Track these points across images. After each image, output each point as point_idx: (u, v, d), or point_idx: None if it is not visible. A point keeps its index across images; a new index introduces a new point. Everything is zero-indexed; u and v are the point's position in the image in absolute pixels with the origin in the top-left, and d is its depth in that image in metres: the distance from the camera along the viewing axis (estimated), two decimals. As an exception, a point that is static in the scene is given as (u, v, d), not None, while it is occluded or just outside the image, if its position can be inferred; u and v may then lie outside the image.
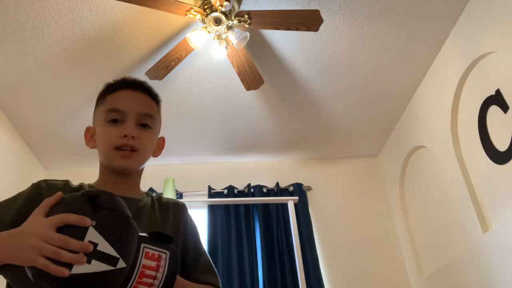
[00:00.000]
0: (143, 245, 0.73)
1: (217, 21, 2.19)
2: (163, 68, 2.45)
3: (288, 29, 2.25)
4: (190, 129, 3.32)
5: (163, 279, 0.74)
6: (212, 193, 3.47)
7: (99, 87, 1.08)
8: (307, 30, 2.25)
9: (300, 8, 2.34)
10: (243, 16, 2.21)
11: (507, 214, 2.16)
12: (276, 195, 3.49)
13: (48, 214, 0.71)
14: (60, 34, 2.42)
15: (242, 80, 2.56)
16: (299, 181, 3.60)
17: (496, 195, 2.26)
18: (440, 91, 2.74)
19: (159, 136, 1.11)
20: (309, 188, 3.62)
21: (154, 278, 0.73)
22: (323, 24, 2.35)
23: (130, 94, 1.03)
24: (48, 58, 2.57)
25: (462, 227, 2.55)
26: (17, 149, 3.17)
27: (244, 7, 2.30)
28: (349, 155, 3.81)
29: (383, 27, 2.53)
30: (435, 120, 2.82)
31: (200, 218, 3.39)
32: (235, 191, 3.49)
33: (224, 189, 3.50)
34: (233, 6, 2.22)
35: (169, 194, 3.09)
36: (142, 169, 1.06)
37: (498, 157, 2.23)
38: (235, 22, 2.23)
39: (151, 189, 3.36)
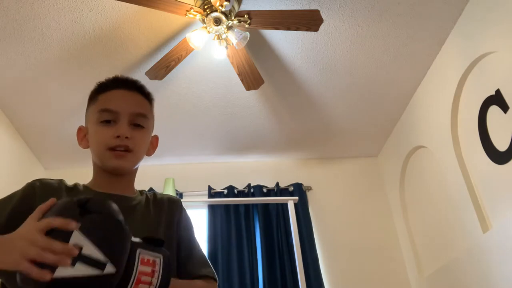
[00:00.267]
0: (139, 250, 0.72)
1: (217, 21, 2.19)
2: (163, 68, 2.45)
3: (288, 29, 2.25)
4: (190, 129, 3.32)
5: (157, 285, 0.73)
6: (212, 193, 3.47)
7: (99, 87, 1.07)
8: (307, 30, 2.25)
9: (300, 8, 2.34)
10: (243, 16, 2.21)
11: (507, 214, 2.16)
12: (276, 195, 3.49)
13: (40, 220, 0.71)
14: (60, 34, 2.42)
15: (242, 80, 2.56)
16: (299, 181, 3.60)
17: (496, 195, 2.26)
18: (440, 91, 2.74)
19: (153, 134, 1.10)
20: (309, 188, 3.62)
21: (150, 284, 0.72)
22: (323, 24, 2.35)
23: (122, 93, 1.02)
24: (48, 58, 2.57)
25: (462, 227, 2.55)
26: (17, 149, 3.17)
27: (244, 7, 2.30)
28: (349, 155, 3.81)
29: (383, 27, 2.53)
30: (435, 120, 2.82)
31: (200, 218, 3.39)
32: (235, 191, 3.49)
33: (224, 189, 3.50)
34: (233, 6, 2.22)
35: (169, 194, 3.09)
36: (137, 168, 1.05)
37: (498, 157, 2.23)
38: (235, 22, 2.23)
39: (151, 189, 3.36)
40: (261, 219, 3.34)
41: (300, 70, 2.81)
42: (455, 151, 2.59)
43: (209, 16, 2.19)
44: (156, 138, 1.11)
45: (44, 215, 0.72)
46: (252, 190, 3.49)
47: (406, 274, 3.31)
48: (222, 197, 3.45)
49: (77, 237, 0.66)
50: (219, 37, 2.29)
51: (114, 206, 0.74)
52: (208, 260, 1.05)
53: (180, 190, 3.43)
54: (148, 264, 0.73)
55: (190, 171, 3.65)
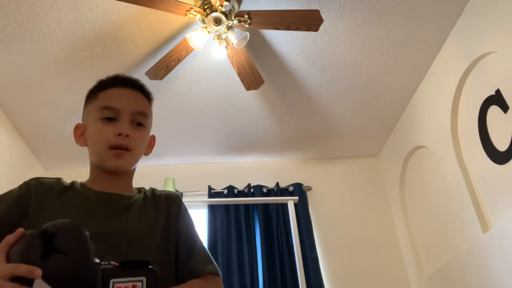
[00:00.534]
0: (112, 281, 0.68)
1: (217, 21, 2.19)
2: (163, 68, 2.45)
3: (288, 29, 2.25)
4: (190, 129, 3.32)
5: None
6: (212, 193, 3.47)
7: (99, 87, 1.07)
8: (307, 30, 2.25)
9: (300, 8, 2.34)
10: (243, 16, 2.21)
11: (507, 214, 2.16)
12: (276, 195, 3.49)
13: (8, 253, 0.69)
14: (60, 34, 2.42)
15: (242, 80, 2.56)
16: (299, 181, 3.60)
17: (496, 195, 2.26)
18: (440, 91, 2.74)
19: (150, 134, 1.10)
20: (309, 188, 3.62)
21: None
22: (323, 24, 2.35)
23: (124, 92, 1.02)
24: (48, 58, 2.57)
25: (462, 227, 2.55)
26: (17, 149, 3.17)
27: (244, 7, 2.30)
28: (349, 155, 3.81)
29: (383, 27, 2.53)
30: (435, 120, 2.82)
31: (200, 218, 3.39)
32: (235, 191, 3.49)
33: (224, 189, 3.50)
34: (233, 6, 2.22)
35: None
36: (134, 168, 1.05)
37: (498, 157, 2.23)
38: (235, 22, 2.23)
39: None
40: (261, 219, 3.34)
41: (300, 70, 2.81)
42: (455, 151, 2.59)
43: (209, 16, 2.19)
44: (153, 138, 1.11)
45: (11, 248, 0.69)
46: (252, 190, 3.49)
47: (406, 274, 3.31)
48: (222, 197, 3.45)
49: (39, 284, 0.63)
50: (219, 37, 2.29)
51: (85, 237, 0.70)
52: (210, 255, 1.01)
53: (180, 190, 3.43)
54: None
55: (190, 171, 3.65)
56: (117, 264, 0.70)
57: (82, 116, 1.05)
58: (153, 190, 1.07)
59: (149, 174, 3.30)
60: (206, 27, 2.24)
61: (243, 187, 3.52)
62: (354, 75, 2.89)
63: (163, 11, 2.15)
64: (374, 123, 3.40)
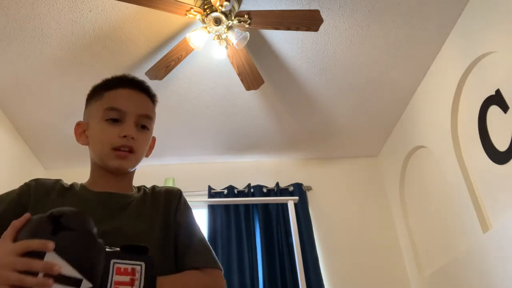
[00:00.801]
0: (112, 261, 0.71)
1: (217, 21, 2.19)
2: (163, 68, 2.45)
3: (288, 29, 2.25)
4: (190, 129, 3.32)
5: None
6: (212, 193, 3.47)
7: (99, 87, 1.07)
8: (307, 30, 2.25)
9: (300, 8, 2.34)
10: (243, 16, 2.21)
11: (507, 214, 2.16)
12: (276, 195, 3.49)
13: (15, 238, 0.71)
14: (60, 34, 2.42)
15: (242, 80, 2.56)
16: (299, 181, 3.60)
17: (496, 195, 2.26)
18: (440, 91, 2.74)
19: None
20: (309, 188, 3.62)
21: None
22: (323, 24, 2.35)
23: (130, 93, 1.01)
24: (48, 58, 2.57)
25: (462, 227, 2.55)
26: (17, 149, 3.17)
27: (244, 7, 2.30)
28: (349, 155, 3.81)
29: (383, 27, 2.52)
30: (435, 120, 2.82)
31: (200, 218, 3.39)
32: (235, 191, 3.49)
33: (224, 189, 3.50)
34: (233, 6, 2.22)
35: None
36: (135, 169, 1.05)
37: (498, 157, 2.23)
38: (235, 22, 2.23)
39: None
40: (261, 219, 3.34)
41: (300, 70, 2.81)
42: (455, 151, 2.59)
43: (209, 16, 2.19)
44: (153, 139, 1.10)
45: (18, 232, 0.71)
46: (252, 190, 3.49)
47: (406, 274, 3.31)
48: (222, 197, 3.45)
49: (51, 257, 0.66)
50: (219, 37, 2.29)
51: (89, 219, 0.74)
52: (210, 248, 0.99)
53: (180, 190, 3.43)
54: (125, 273, 0.72)
55: (190, 171, 3.65)
56: (118, 249, 0.74)
57: (84, 114, 1.05)
58: (153, 187, 1.06)
59: (149, 174, 3.30)
60: (206, 27, 2.24)
61: (243, 187, 3.52)
62: (354, 75, 2.89)
63: (163, 11, 2.15)
64: (374, 123, 3.40)
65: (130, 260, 0.73)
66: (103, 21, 2.37)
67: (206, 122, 3.26)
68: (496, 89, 2.22)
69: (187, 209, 1.04)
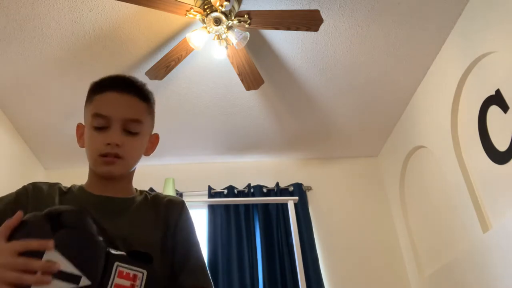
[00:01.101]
0: (116, 263, 0.71)
1: (217, 21, 2.19)
2: (163, 68, 2.45)
3: (288, 29, 2.25)
4: (190, 129, 3.32)
5: None
6: (212, 193, 3.47)
7: (99, 87, 1.06)
8: (307, 30, 2.25)
9: (300, 8, 2.34)
10: (243, 16, 2.21)
11: (507, 214, 2.16)
12: (276, 195, 3.49)
13: (10, 237, 0.70)
14: (60, 34, 2.42)
15: (242, 80, 2.56)
16: (299, 181, 3.60)
17: (496, 195, 2.26)
18: (440, 91, 2.74)
19: (154, 133, 1.07)
20: (309, 188, 3.62)
21: None
22: (323, 24, 2.35)
23: (116, 97, 0.97)
24: (48, 58, 2.57)
25: (462, 227, 2.55)
26: (17, 149, 3.17)
27: (244, 7, 2.30)
28: (349, 155, 3.81)
29: (383, 27, 2.52)
30: (435, 120, 2.82)
31: (200, 218, 3.39)
32: (235, 191, 3.49)
33: (224, 189, 3.50)
34: (233, 6, 2.22)
35: (169, 194, 3.09)
36: (133, 171, 1.03)
37: (498, 157, 2.23)
38: (235, 22, 2.23)
39: (151, 189, 3.35)
40: (261, 219, 3.34)
41: (300, 70, 2.81)
42: (455, 151, 2.59)
43: (209, 16, 2.19)
44: (156, 136, 1.08)
45: (13, 232, 0.71)
46: (252, 190, 3.49)
47: (406, 274, 3.31)
48: (222, 197, 3.45)
49: (50, 254, 0.67)
50: (219, 37, 2.29)
51: (87, 217, 0.74)
52: (206, 268, 0.98)
53: (180, 190, 3.43)
54: (127, 278, 0.71)
55: (190, 171, 3.65)
56: (124, 253, 0.73)
57: (84, 116, 1.05)
58: (156, 194, 1.04)
59: (149, 174, 3.31)
60: (206, 27, 2.24)
61: (243, 187, 3.52)
62: (354, 75, 2.89)
63: (163, 11, 2.15)
64: (374, 123, 3.40)
65: (133, 266, 0.73)
66: (103, 21, 2.37)
67: (206, 122, 3.26)
68: (496, 89, 2.22)
69: (188, 223, 1.02)
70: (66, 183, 1.06)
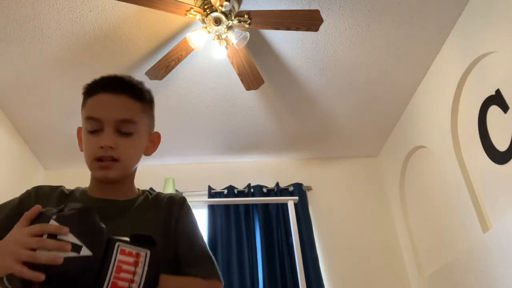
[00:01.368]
0: (118, 243, 0.74)
1: (217, 21, 2.19)
2: (163, 68, 2.45)
3: (288, 29, 2.25)
4: (190, 129, 3.32)
5: (144, 275, 0.73)
6: (212, 193, 3.47)
7: (99, 87, 1.06)
8: (307, 30, 2.25)
9: (300, 8, 2.34)
10: (243, 16, 2.21)
11: (507, 214, 2.16)
12: (276, 195, 3.49)
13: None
14: (60, 34, 2.42)
15: (242, 80, 2.56)
16: (299, 181, 3.60)
17: (496, 195, 2.26)
18: (440, 91, 2.74)
19: (154, 131, 1.06)
20: (309, 188, 3.62)
21: (134, 273, 0.73)
22: (323, 24, 2.35)
23: (108, 98, 0.95)
24: (48, 58, 2.57)
25: (462, 227, 2.55)
26: (17, 149, 3.17)
27: (244, 7, 2.30)
28: (349, 155, 3.81)
29: (383, 27, 2.52)
30: (435, 120, 2.82)
31: (200, 218, 3.39)
32: (235, 191, 3.49)
33: (224, 189, 3.50)
34: (233, 6, 2.22)
35: (169, 194, 3.09)
36: (133, 171, 1.02)
37: (498, 157, 2.23)
38: (235, 22, 2.23)
39: (151, 189, 3.35)
40: (261, 219, 3.34)
41: (300, 70, 2.81)
42: (455, 151, 2.59)
43: (209, 16, 2.19)
44: (157, 135, 1.06)
45: (31, 224, 0.74)
46: (252, 190, 3.49)
47: (406, 274, 3.31)
48: (222, 197, 3.45)
49: (54, 223, 0.72)
50: (219, 37, 2.29)
51: (94, 213, 0.78)
52: (212, 258, 0.97)
53: (180, 190, 3.43)
54: (129, 255, 0.74)
55: (190, 171, 3.65)
56: (127, 238, 0.77)
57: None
58: (157, 194, 1.04)
59: (149, 174, 3.31)
60: (206, 27, 2.24)
61: (243, 187, 3.52)
62: (354, 75, 2.89)
63: (163, 11, 2.15)
64: (374, 123, 3.40)
65: (135, 246, 0.76)
66: (103, 21, 2.37)
67: (206, 122, 3.26)
68: (496, 89, 2.22)
69: (189, 217, 1.01)
70: (66, 183, 1.06)
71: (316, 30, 2.26)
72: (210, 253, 0.98)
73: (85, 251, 0.70)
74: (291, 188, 3.54)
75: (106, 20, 2.37)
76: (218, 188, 3.52)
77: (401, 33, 2.57)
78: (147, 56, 2.62)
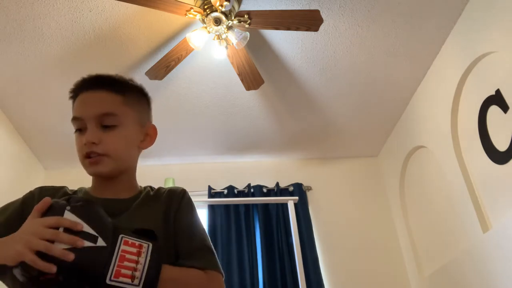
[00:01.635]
0: (121, 235, 0.77)
1: (217, 21, 2.19)
2: (163, 68, 2.45)
3: (288, 29, 2.25)
4: (190, 129, 3.32)
5: (146, 264, 0.76)
6: (212, 193, 3.47)
7: (99, 87, 1.06)
8: (307, 30, 2.25)
9: (300, 8, 2.34)
10: (243, 16, 2.21)
11: (507, 214, 2.16)
12: (276, 195, 3.49)
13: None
14: (60, 34, 2.42)
15: (242, 80, 2.56)
16: (299, 181, 3.60)
17: (496, 195, 2.26)
18: (440, 91, 2.74)
19: (150, 124, 1.05)
20: (309, 188, 3.62)
21: (137, 262, 0.75)
22: (323, 24, 2.35)
23: (87, 97, 0.97)
24: (48, 58, 2.57)
25: (462, 227, 2.55)
26: (17, 149, 3.17)
27: (244, 7, 2.30)
28: (349, 155, 3.81)
29: (383, 27, 2.52)
30: (435, 120, 2.82)
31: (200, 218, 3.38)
32: (235, 191, 3.49)
33: (224, 189, 3.50)
34: (233, 6, 2.22)
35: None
36: (132, 167, 1.02)
37: (498, 157, 2.23)
38: (235, 22, 2.23)
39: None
40: (261, 219, 3.34)
41: (300, 70, 2.81)
42: (455, 151, 2.59)
43: (209, 16, 2.19)
44: (152, 127, 1.06)
45: (42, 216, 0.76)
46: (252, 190, 3.49)
47: (406, 274, 3.31)
48: (222, 197, 3.45)
49: (70, 216, 0.75)
50: (219, 37, 2.29)
51: (99, 207, 0.82)
52: (212, 250, 0.96)
53: (180, 190, 3.43)
54: (132, 246, 0.77)
55: (190, 171, 3.65)
56: (130, 231, 0.80)
57: None
58: (158, 189, 1.04)
59: (149, 174, 3.30)
60: (206, 27, 2.24)
61: (243, 187, 3.52)
62: (354, 75, 2.89)
63: (163, 11, 2.15)
64: (374, 123, 3.40)
65: (138, 238, 0.79)
66: (103, 21, 2.37)
67: (206, 122, 3.26)
68: (496, 89, 2.22)
69: (189, 209, 1.02)
70: (66, 183, 1.06)
71: (316, 30, 2.26)
72: (211, 245, 0.98)
73: (101, 242, 0.73)
74: (291, 188, 3.54)
75: (106, 20, 2.37)
76: (218, 188, 3.52)
77: (401, 33, 2.57)
78: (147, 56, 2.62)
